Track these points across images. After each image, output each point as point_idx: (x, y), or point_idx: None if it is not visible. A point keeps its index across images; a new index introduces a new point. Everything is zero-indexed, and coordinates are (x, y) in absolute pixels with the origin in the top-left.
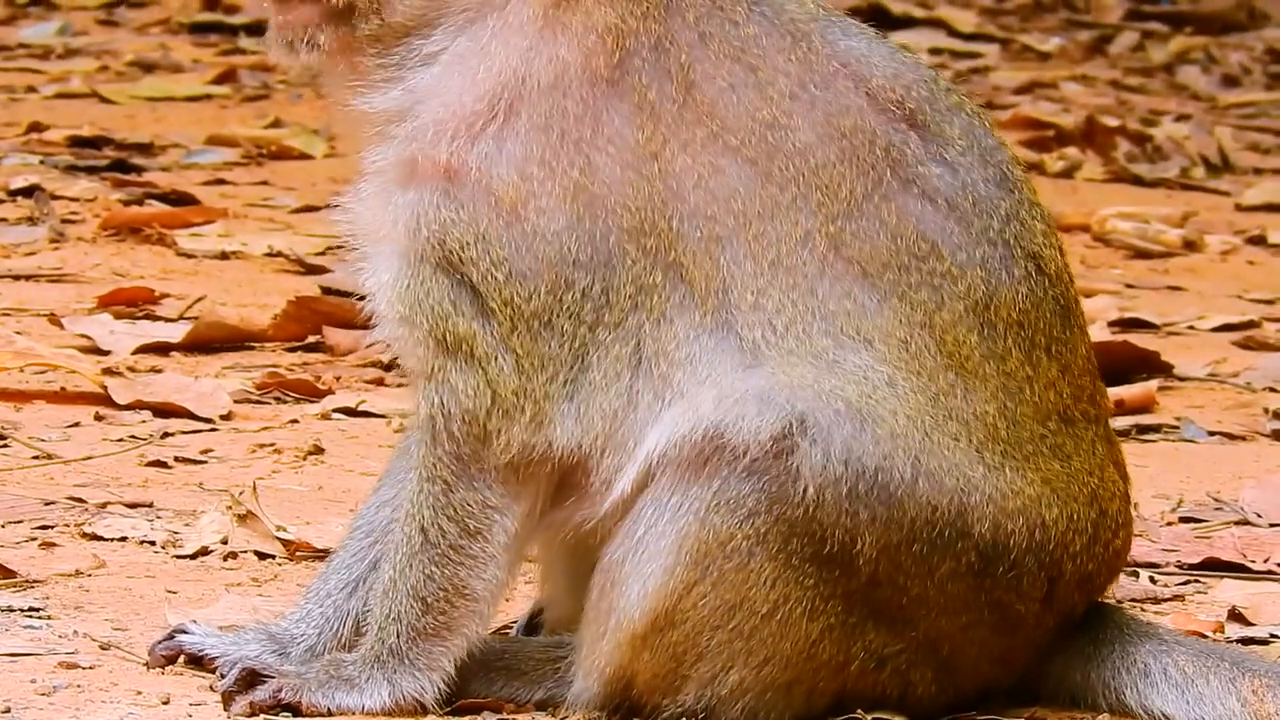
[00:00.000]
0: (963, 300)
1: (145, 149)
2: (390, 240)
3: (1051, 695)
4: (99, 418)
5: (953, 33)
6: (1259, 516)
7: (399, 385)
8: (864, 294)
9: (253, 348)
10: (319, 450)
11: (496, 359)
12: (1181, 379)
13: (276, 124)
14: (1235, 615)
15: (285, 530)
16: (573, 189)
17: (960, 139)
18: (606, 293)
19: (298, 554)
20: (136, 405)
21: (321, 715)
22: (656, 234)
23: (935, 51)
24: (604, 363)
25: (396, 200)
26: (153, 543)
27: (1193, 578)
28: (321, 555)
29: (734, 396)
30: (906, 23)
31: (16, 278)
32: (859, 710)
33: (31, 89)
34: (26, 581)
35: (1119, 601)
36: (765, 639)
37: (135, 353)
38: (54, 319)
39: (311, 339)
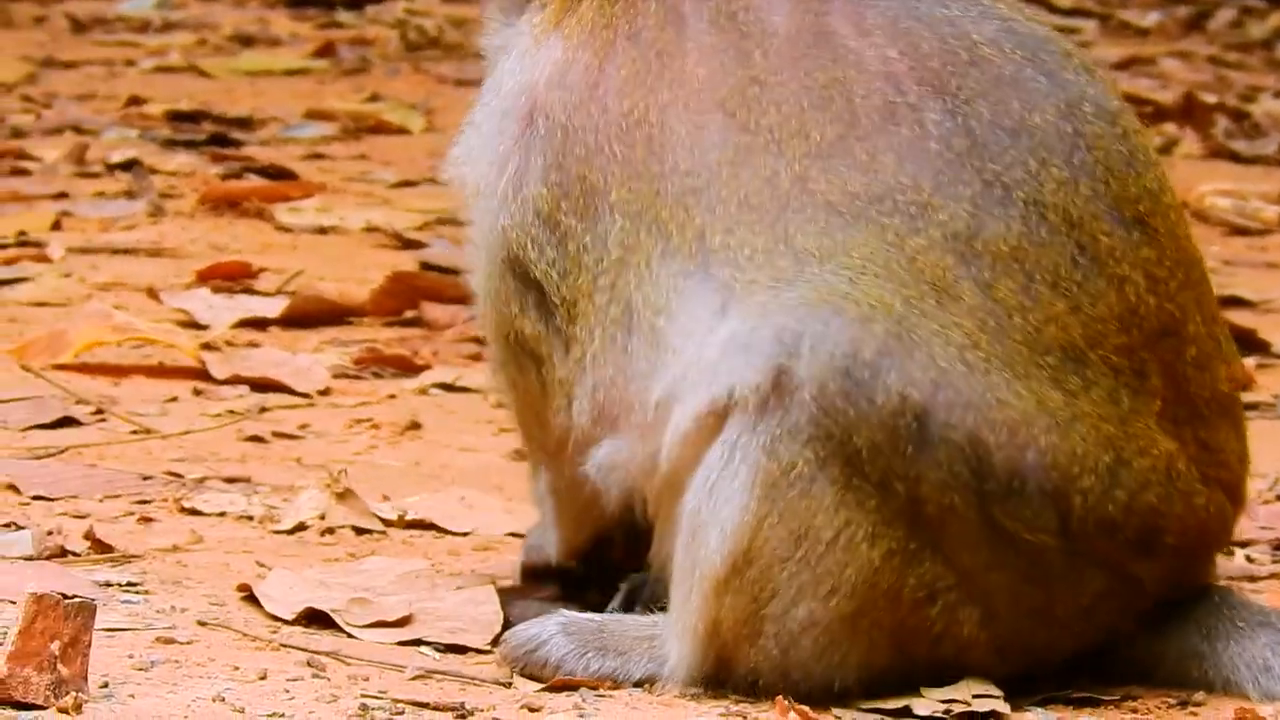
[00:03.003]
0: (940, 229)
1: (243, 123)
2: (476, 247)
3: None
4: (197, 392)
5: (1051, 8)
6: None
7: None
8: (829, 219)
9: (350, 323)
10: (416, 425)
11: (556, 354)
12: (1279, 356)
13: (374, 98)
14: None
15: (384, 505)
16: (579, 181)
17: (973, 88)
18: (600, 260)
19: (394, 530)
20: (234, 380)
21: None
22: (639, 198)
23: None
24: (601, 328)
25: (473, 213)
26: (250, 518)
27: None
28: (419, 529)
29: (718, 349)
30: None
31: (115, 252)
32: (922, 689)
33: (130, 63)
34: (124, 556)
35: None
36: (831, 568)
37: (233, 327)
38: (152, 293)
39: (409, 314)
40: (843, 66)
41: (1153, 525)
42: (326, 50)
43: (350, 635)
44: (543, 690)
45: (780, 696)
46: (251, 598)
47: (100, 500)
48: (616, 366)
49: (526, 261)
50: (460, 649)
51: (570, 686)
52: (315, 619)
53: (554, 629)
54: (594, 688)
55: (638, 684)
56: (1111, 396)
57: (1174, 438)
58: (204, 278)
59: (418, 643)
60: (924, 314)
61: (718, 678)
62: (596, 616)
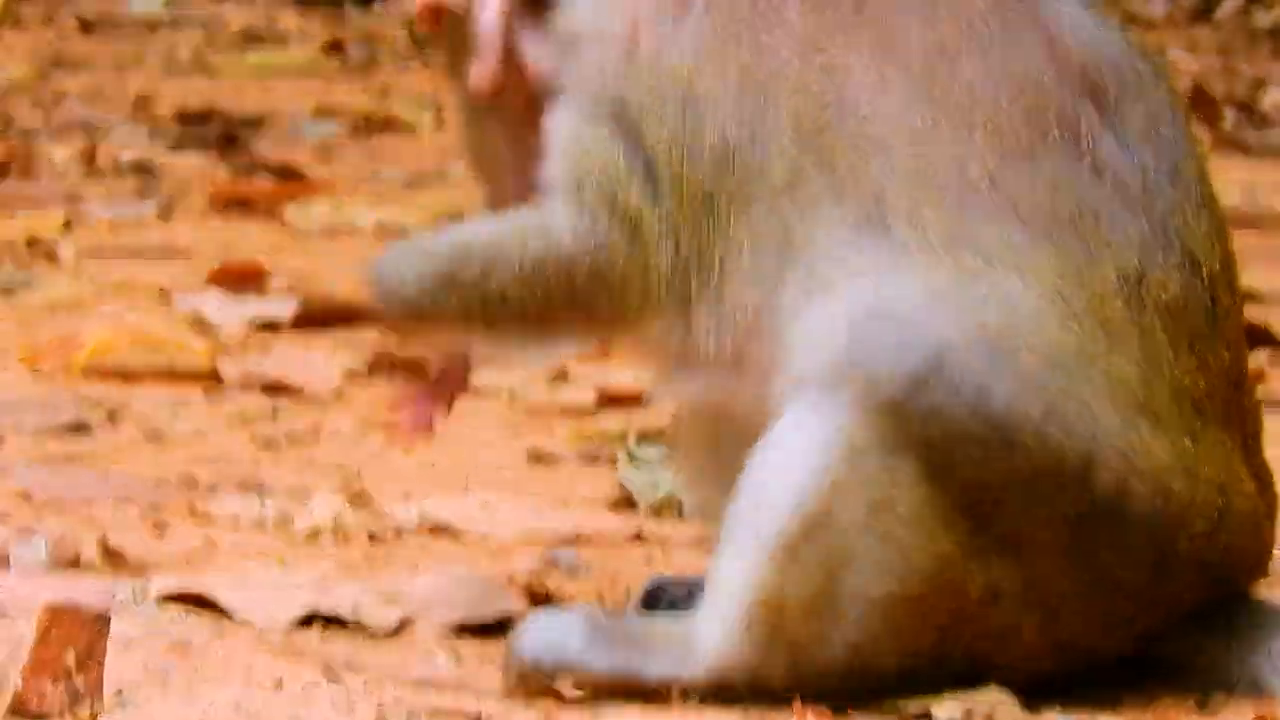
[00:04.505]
0: (1115, 269)
1: (253, 122)
2: (569, 92)
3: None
4: (209, 395)
5: None
6: None
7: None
8: (1016, 230)
9: (363, 324)
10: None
11: (660, 243)
12: None
13: (384, 95)
14: None
15: (399, 508)
16: (740, 72)
17: (1140, 124)
18: (762, 171)
19: (410, 533)
20: (246, 382)
21: None
22: (811, 119)
23: None
24: (755, 247)
25: (580, 58)
26: (263, 522)
27: None
28: (436, 532)
29: (876, 307)
30: None
31: (126, 253)
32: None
33: (138, 62)
34: (138, 563)
35: None
36: (905, 547)
37: (245, 329)
38: (163, 295)
39: None
40: (1038, 67)
41: (1235, 563)
42: (335, 47)
43: (370, 635)
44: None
45: (797, 701)
46: (259, 602)
47: (113, 506)
48: (764, 295)
49: (643, 130)
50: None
51: (589, 688)
52: (330, 623)
53: (574, 626)
54: (612, 690)
55: (660, 683)
56: (1220, 443)
57: (1252, 477)
58: (215, 279)
59: (437, 638)
60: (1094, 360)
61: (756, 665)
62: (619, 617)
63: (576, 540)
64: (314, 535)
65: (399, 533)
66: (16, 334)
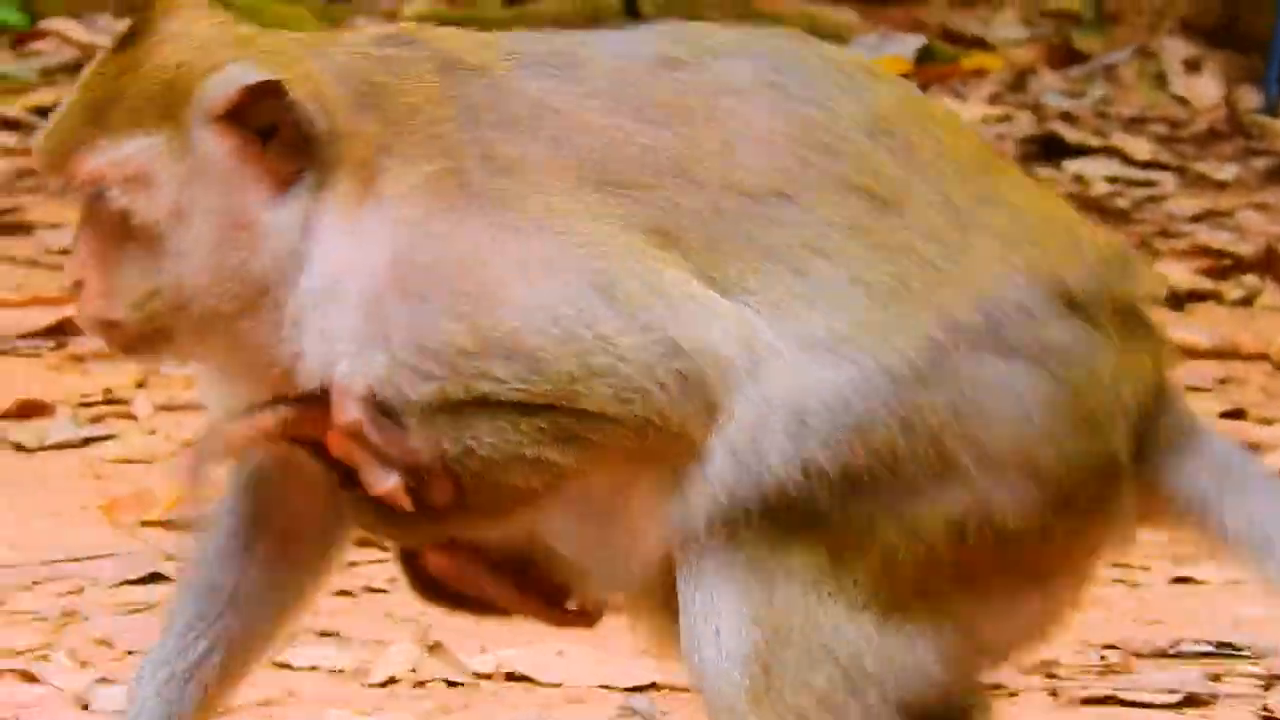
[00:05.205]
0: (929, 205)
1: None
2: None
3: None
4: None
5: (1128, 161)
6: None
7: None
8: (789, 211)
9: None
10: None
11: (593, 429)
12: None
13: None
14: None
15: (475, 658)
16: (502, 291)
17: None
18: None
19: (486, 681)
20: None
21: None
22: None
23: (1111, 180)
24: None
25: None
26: (342, 671)
27: None
28: (512, 681)
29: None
30: (1082, 151)
31: (200, 409)
32: None
33: None
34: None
35: None
36: (851, 573)
37: None
38: None
39: None
40: (717, 124)
41: (1127, 264)
42: None
43: None
44: None
45: None
46: None
47: None
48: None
49: (482, 396)
50: None
51: None
52: None
53: None
54: None
55: None
56: (1019, 185)
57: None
58: None
59: None
60: (899, 276)
61: None
62: None
63: (652, 688)
64: (391, 684)
65: (476, 681)
66: (95, 487)
